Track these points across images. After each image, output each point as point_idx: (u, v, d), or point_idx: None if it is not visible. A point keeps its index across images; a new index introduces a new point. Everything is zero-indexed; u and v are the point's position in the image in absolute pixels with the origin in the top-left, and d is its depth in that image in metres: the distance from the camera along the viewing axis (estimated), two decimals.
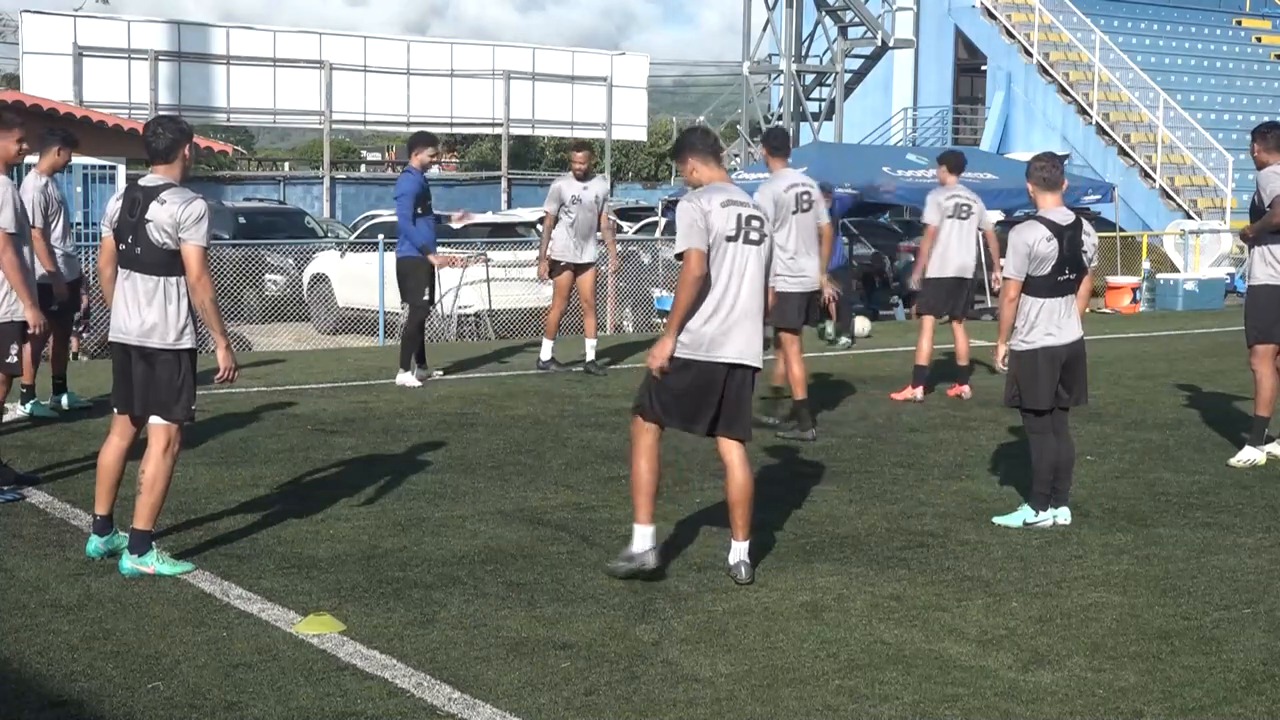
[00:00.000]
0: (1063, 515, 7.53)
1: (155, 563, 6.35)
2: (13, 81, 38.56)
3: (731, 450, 6.42)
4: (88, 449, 9.16)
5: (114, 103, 29.90)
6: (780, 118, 31.75)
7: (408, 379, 12.06)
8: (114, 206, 6.44)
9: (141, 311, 6.32)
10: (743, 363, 6.32)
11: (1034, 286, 7.42)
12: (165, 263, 6.31)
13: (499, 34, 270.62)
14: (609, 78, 37.93)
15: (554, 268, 12.74)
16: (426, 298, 12.18)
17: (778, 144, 10.15)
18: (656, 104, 50.23)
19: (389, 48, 36.14)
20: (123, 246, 6.37)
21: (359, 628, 5.66)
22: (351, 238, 21.85)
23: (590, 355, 13.12)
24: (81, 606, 5.90)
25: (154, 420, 6.43)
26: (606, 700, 4.95)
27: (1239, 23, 39.36)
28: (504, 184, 37.18)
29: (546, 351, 13.08)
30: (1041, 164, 7.55)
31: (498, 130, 38.12)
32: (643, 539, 6.32)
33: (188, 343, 6.40)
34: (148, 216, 6.27)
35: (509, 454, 9.27)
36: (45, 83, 29.24)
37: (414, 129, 36.36)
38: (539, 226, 21.00)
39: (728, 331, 6.28)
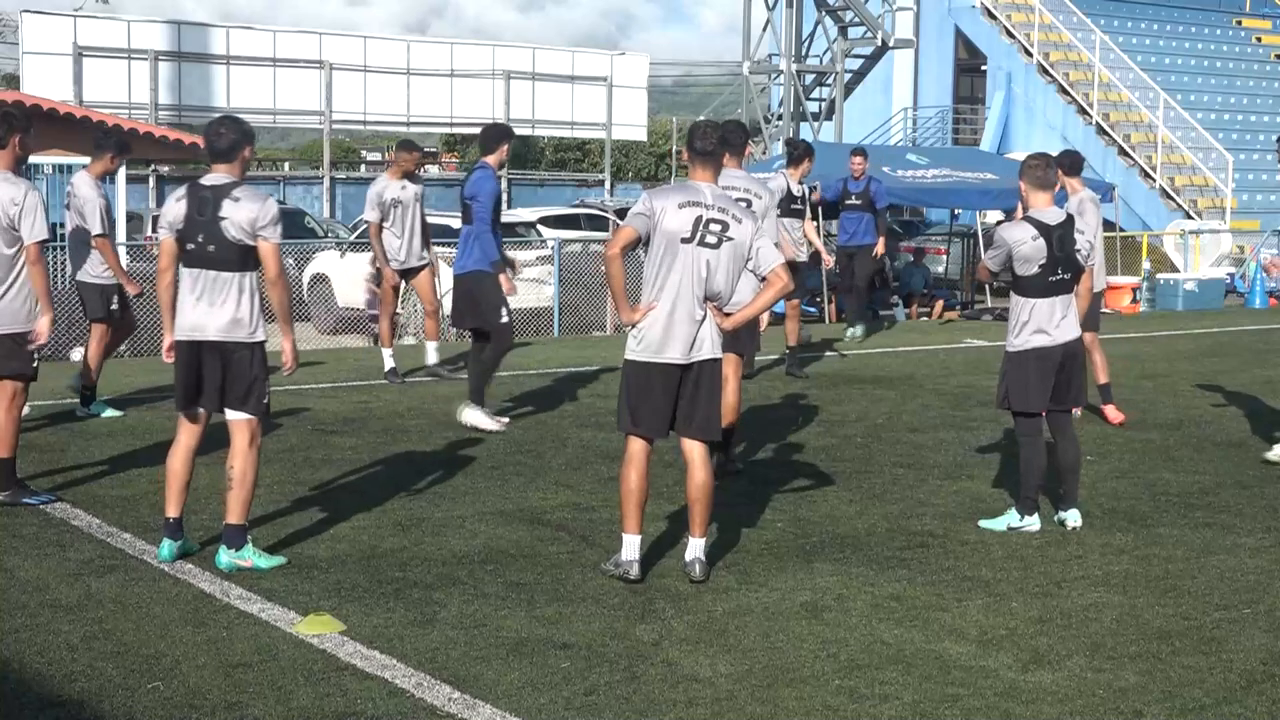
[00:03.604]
0: (1072, 517, 7.48)
1: (253, 556, 6.46)
2: (13, 81, 38.51)
3: (693, 448, 6.46)
4: (88, 449, 9.17)
5: (114, 103, 29.86)
6: (780, 117, 31.75)
7: (480, 418, 10.04)
8: (176, 209, 6.47)
9: (220, 308, 6.43)
10: (692, 361, 6.35)
11: (1025, 287, 7.41)
12: (239, 259, 6.43)
13: (499, 34, 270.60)
14: (609, 78, 37.87)
15: (375, 273, 11.98)
16: (507, 319, 10.25)
17: (736, 140, 8.52)
18: (656, 104, 50.14)
19: (389, 48, 36.08)
20: (191, 246, 6.44)
21: (359, 628, 5.66)
22: (352, 238, 21.84)
23: (434, 359, 12.45)
24: (81, 606, 5.90)
25: (235, 416, 6.54)
26: (606, 700, 4.95)
27: (1239, 23, 39.34)
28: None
29: (389, 361, 12.29)
30: (1035, 163, 7.56)
31: None
32: (630, 548, 6.38)
33: (261, 335, 6.55)
34: (222, 214, 6.37)
35: (509, 454, 9.27)
36: (45, 83, 29.18)
37: (414, 129, 36.46)
38: (539, 226, 21.09)
39: (679, 333, 6.33)
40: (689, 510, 6.48)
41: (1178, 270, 25.38)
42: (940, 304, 22.12)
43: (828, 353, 15.00)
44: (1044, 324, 7.38)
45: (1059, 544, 7.14)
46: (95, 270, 10.17)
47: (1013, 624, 5.84)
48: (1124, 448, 9.74)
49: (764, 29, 32.13)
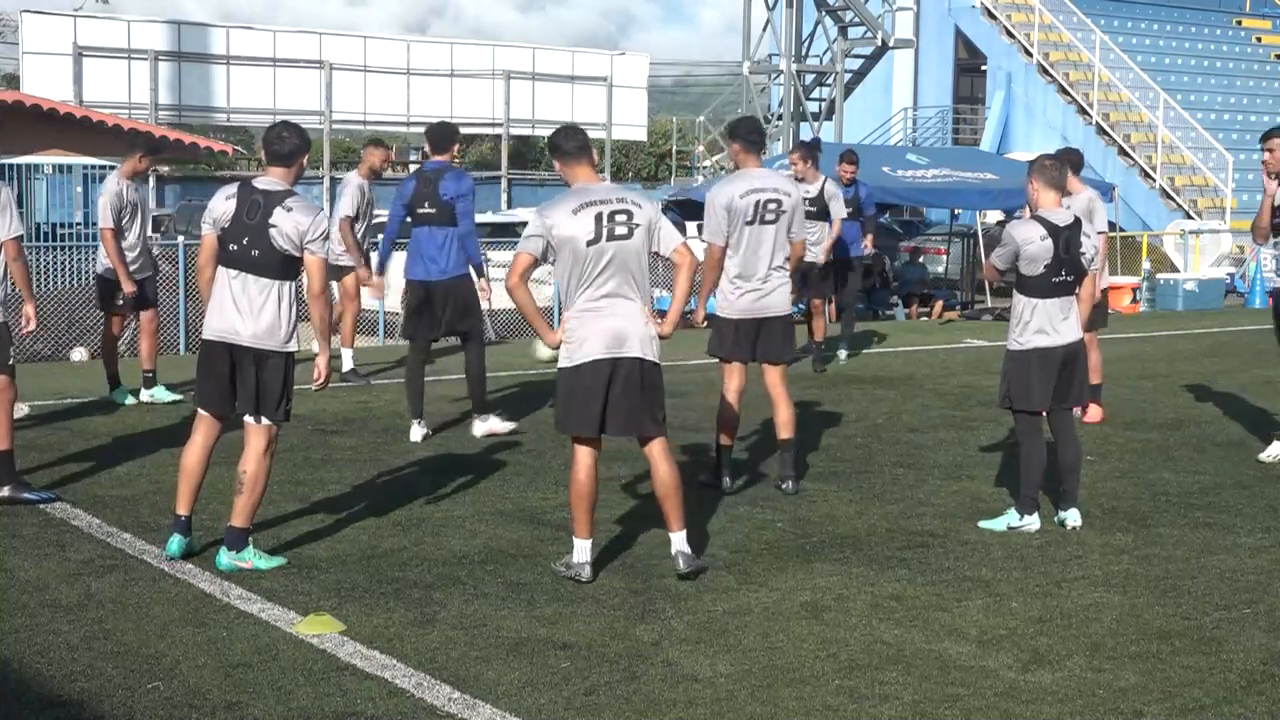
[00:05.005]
0: (1072, 517, 7.48)
1: (253, 558, 6.46)
2: (13, 81, 38.51)
3: (652, 445, 6.46)
4: (87, 449, 9.17)
5: (114, 103, 29.89)
6: (780, 117, 31.76)
7: (497, 423, 9.85)
8: (225, 207, 6.46)
9: (256, 314, 6.41)
10: (621, 356, 6.31)
11: (1029, 287, 7.41)
12: (280, 267, 6.42)
13: (499, 34, 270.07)
14: (609, 77, 37.90)
15: (341, 271, 11.96)
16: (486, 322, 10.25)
17: (753, 138, 8.15)
18: (656, 104, 50.16)
19: (389, 48, 36.11)
20: (234, 247, 6.42)
21: (359, 628, 5.66)
22: None
23: (349, 365, 12.36)
24: (81, 606, 5.90)
25: (254, 421, 6.54)
26: (606, 700, 4.95)
27: (1239, 23, 39.36)
28: (504, 184, 37.16)
29: (348, 362, 12.30)
30: (1049, 163, 7.56)
31: (498, 130, 38.07)
32: (581, 552, 6.38)
33: (293, 345, 6.54)
34: (272, 222, 6.36)
35: (509, 454, 9.27)
36: (45, 83, 29.21)
37: (414, 129, 36.42)
38: None
39: (601, 329, 6.31)
40: (661, 506, 6.47)
41: (1178, 270, 25.40)
42: (940, 304, 22.14)
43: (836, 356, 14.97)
44: (1046, 324, 7.38)
45: (1059, 544, 7.14)
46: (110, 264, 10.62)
47: (1013, 624, 5.84)
48: (1124, 448, 9.74)
49: (764, 29, 32.17)
